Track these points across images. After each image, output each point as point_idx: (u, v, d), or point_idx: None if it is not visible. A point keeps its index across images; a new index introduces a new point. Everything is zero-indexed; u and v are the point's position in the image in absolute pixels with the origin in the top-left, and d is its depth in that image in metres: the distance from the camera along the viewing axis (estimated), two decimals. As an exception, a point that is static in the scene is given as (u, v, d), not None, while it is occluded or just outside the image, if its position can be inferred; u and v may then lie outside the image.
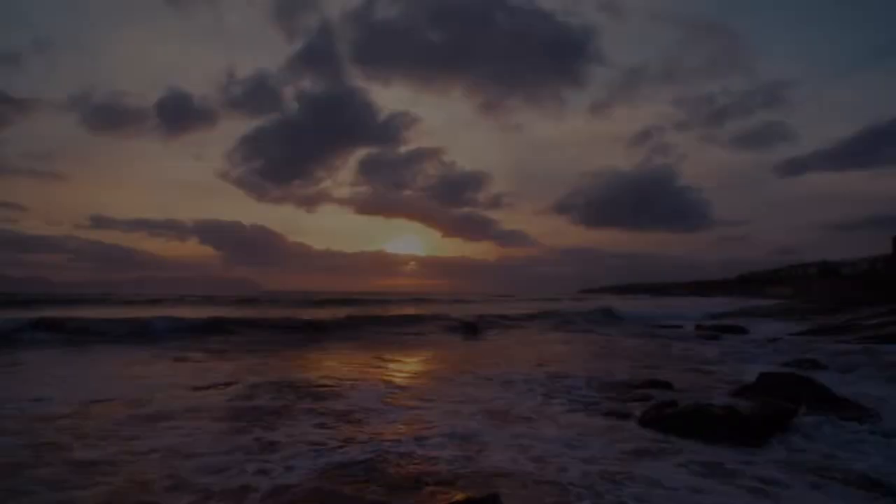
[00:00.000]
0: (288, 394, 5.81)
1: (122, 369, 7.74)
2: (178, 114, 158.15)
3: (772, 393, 4.73)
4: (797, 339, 12.79)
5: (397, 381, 6.87)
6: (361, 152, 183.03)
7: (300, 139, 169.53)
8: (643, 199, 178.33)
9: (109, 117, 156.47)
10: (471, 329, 14.95)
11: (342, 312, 16.58)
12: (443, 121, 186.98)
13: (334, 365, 8.35)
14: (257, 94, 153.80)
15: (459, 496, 2.85)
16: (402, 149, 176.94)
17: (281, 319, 13.70)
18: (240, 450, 3.96)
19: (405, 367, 8.32)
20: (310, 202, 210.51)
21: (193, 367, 7.95)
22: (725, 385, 6.40)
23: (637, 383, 6.24)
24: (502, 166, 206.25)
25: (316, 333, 12.67)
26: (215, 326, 12.25)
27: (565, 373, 7.39)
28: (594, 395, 5.79)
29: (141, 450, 3.90)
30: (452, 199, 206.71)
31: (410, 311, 20.58)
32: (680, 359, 9.46)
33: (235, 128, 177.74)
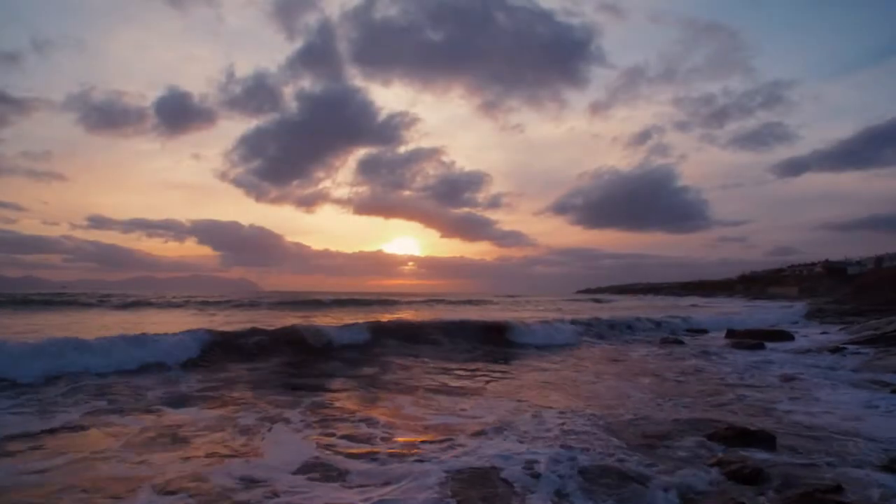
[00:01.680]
0: (169, 448, 3.71)
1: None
2: (177, 113, 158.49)
3: None
4: (867, 350, 10.50)
5: (354, 428, 4.71)
6: (361, 152, 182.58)
7: (299, 139, 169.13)
8: (642, 200, 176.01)
9: (108, 117, 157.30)
10: (495, 335, 11.83)
11: (323, 319, 14.44)
12: (442, 121, 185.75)
13: (271, 400, 6.22)
14: (257, 93, 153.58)
15: None
16: (402, 149, 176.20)
17: (251, 330, 11.07)
18: None
19: (381, 403, 6.12)
20: (309, 202, 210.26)
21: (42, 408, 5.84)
22: (845, 437, 4.17)
23: (710, 432, 4.06)
24: (502, 166, 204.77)
25: (287, 346, 10.41)
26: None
27: (579, 408, 5.23)
28: (638, 458, 3.62)
29: None
30: (451, 199, 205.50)
31: (413, 314, 18.50)
32: (731, 382, 7.16)
33: (234, 128, 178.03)
